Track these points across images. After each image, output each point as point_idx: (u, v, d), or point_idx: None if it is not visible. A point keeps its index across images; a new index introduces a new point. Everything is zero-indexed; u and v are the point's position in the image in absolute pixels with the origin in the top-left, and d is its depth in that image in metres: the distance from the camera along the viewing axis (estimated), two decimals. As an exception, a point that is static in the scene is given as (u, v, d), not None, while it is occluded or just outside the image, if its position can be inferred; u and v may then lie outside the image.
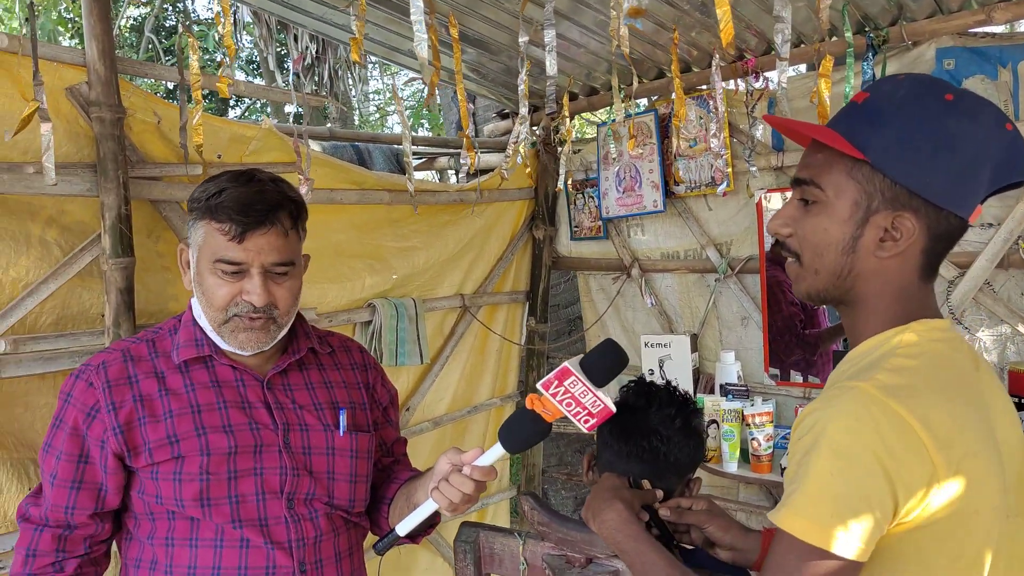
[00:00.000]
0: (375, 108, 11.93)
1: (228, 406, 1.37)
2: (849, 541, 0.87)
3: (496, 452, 1.30)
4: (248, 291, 1.32)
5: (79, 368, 1.37)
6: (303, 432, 1.42)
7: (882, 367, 0.94)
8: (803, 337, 2.69)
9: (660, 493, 1.37)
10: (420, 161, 4.06)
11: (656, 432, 1.41)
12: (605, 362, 1.23)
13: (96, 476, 1.34)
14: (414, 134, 5.97)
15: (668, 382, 1.51)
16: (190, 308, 1.42)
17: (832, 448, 0.89)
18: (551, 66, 1.88)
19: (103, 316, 1.90)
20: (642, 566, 1.20)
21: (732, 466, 2.53)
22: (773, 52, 2.59)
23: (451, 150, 3.88)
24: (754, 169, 2.65)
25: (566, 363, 1.19)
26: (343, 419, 1.47)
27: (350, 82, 6.96)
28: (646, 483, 1.37)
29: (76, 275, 1.87)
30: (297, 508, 1.38)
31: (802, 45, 2.57)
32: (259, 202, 1.32)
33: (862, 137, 0.97)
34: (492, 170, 3.20)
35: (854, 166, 0.98)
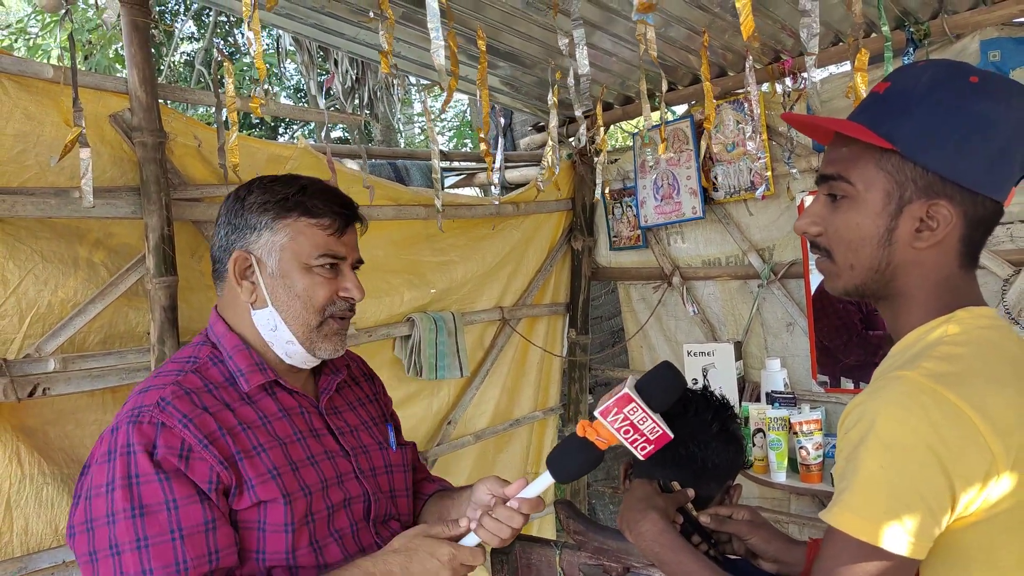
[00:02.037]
0: (420, 130, 12.10)
1: (304, 436, 1.27)
2: (904, 537, 0.84)
3: (544, 481, 1.23)
4: (347, 287, 1.28)
5: (127, 417, 1.14)
6: (366, 454, 1.36)
7: (929, 355, 0.91)
8: (866, 338, 2.58)
9: (691, 492, 1.33)
10: (459, 177, 4.09)
11: (693, 438, 1.38)
12: (663, 385, 1.20)
13: (223, 508, 1.15)
14: (455, 151, 6.03)
15: (705, 387, 1.48)
16: (228, 332, 1.28)
17: (881, 441, 0.86)
18: (583, 65, 1.88)
19: (149, 334, 1.96)
20: None
21: (780, 476, 2.46)
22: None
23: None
24: (794, 171, 2.60)
25: (626, 389, 1.16)
26: (392, 434, 1.45)
27: (394, 105, 7.08)
28: (676, 484, 1.34)
29: (122, 295, 1.93)
30: (381, 532, 1.33)
31: (840, 44, 2.52)
32: (346, 197, 1.33)
33: (888, 126, 0.95)
34: (528, 183, 3.20)
35: (883, 156, 0.96)
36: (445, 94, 1.94)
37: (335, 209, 1.28)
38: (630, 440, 1.16)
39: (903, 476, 0.84)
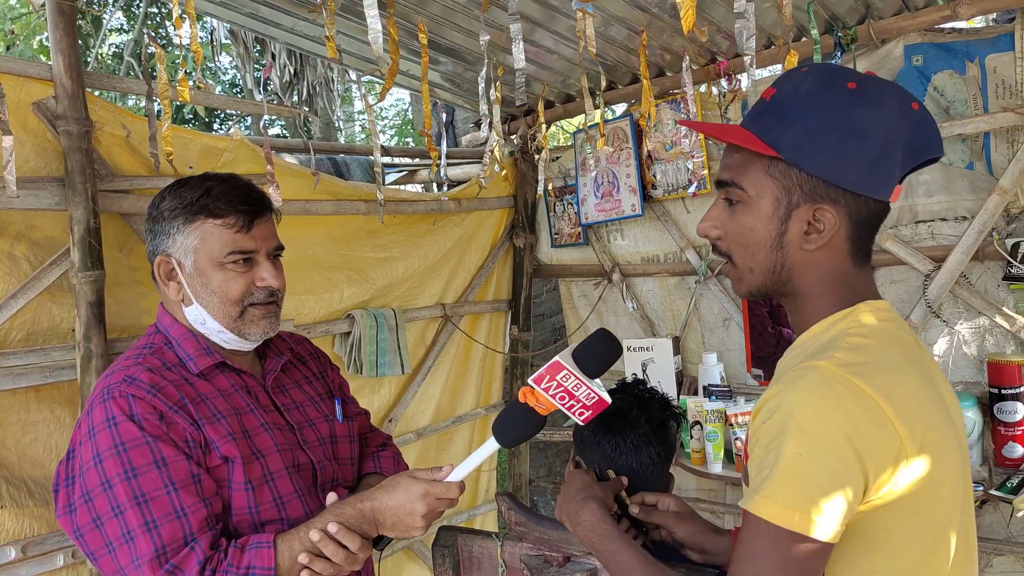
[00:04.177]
0: (360, 128, 11.96)
1: (254, 408, 1.40)
2: (823, 523, 0.87)
3: (489, 448, 1.27)
4: (263, 277, 1.39)
5: (101, 395, 1.28)
6: (312, 427, 1.49)
7: (839, 346, 0.95)
8: (779, 334, 2.70)
9: (625, 480, 1.36)
10: (401, 174, 4.06)
11: (649, 441, 1.40)
12: (597, 351, 1.21)
13: (203, 463, 1.29)
14: (396, 147, 5.99)
15: (662, 395, 1.48)
16: (175, 323, 1.41)
17: (799, 429, 0.89)
18: (519, 59, 1.88)
19: (74, 331, 1.88)
20: (617, 565, 1.19)
21: (717, 467, 2.51)
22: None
23: (430, 162, 3.88)
24: (729, 170, 2.66)
25: (557, 357, 1.17)
26: (339, 407, 1.57)
27: (334, 102, 6.99)
28: (611, 472, 1.36)
29: (45, 290, 1.85)
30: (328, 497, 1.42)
31: (772, 47, 2.59)
32: (254, 192, 1.42)
33: (773, 134, 0.99)
34: (470, 180, 3.20)
35: (770, 163, 1.00)
36: (384, 83, 1.92)
37: (238, 208, 1.36)
38: (567, 406, 1.18)
39: (820, 463, 0.88)
